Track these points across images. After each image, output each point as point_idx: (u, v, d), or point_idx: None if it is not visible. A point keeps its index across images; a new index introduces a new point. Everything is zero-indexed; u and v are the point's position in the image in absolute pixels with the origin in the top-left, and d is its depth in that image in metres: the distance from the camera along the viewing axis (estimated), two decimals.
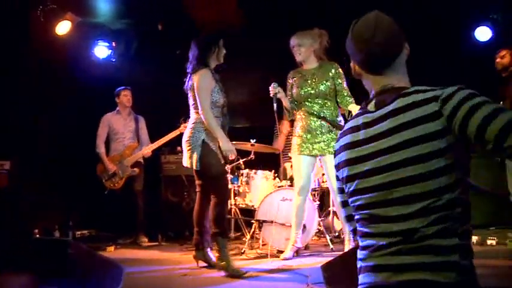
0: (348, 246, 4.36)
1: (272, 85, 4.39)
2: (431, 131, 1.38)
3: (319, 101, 4.42)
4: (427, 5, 5.88)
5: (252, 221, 5.07)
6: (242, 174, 5.44)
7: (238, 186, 5.42)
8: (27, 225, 4.73)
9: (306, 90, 4.43)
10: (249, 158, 5.47)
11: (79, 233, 5.84)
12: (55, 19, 5.59)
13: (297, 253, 4.59)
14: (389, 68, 1.58)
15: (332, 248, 4.82)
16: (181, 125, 5.45)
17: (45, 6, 5.55)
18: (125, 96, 5.94)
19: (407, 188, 1.42)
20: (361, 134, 1.55)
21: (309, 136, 4.42)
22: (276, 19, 6.27)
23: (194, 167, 3.90)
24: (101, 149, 5.77)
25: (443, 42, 6.11)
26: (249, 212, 5.59)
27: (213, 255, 4.07)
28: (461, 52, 6.19)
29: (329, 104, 4.44)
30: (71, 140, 6.12)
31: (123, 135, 5.89)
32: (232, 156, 3.99)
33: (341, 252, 4.20)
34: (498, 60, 5.06)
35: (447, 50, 6.10)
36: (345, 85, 4.43)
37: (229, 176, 5.45)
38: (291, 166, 5.18)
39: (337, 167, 1.65)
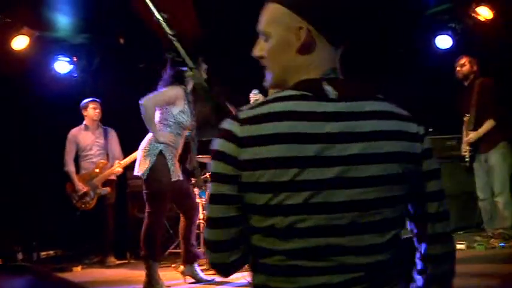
0: None
1: (252, 92, 4.30)
2: (412, 154, 1.21)
3: None
4: (387, 12, 5.96)
5: None
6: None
7: (205, 201, 5.33)
8: None
9: None
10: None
11: (44, 253, 5.65)
12: (10, 34, 5.41)
13: None
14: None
15: None
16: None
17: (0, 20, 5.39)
18: (93, 109, 5.63)
19: (387, 211, 1.16)
20: (323, 126, 1.14)
21: None
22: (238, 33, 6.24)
23: (142, 176, 3.79)
24: (70, 166, 5.49)
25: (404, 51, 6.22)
26: None
27: (200, 270, 3.99)
28: (422, 60, 6.29)
29: None
30: (35, 158, 5.93)
31: (91, 151, 5.61)
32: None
33: None
34: (458, 69, 5.11)
35: (408, 58, 6.20)
36: None
37: (197, 190, 5.39)
38: None
39: (256, 163, 1.13)
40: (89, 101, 5.69)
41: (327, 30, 1.23)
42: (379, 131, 1.16)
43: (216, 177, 1.20)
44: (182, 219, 4.05)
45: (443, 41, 6.18)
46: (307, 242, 1.13)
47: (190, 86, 4.01)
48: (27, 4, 5.50)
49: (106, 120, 5.89)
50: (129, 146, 5.54)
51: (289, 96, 1.18)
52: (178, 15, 6.18)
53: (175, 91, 3.88)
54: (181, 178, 3.89)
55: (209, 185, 1.22)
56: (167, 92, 3.88)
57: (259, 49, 1.30)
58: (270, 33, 1.26)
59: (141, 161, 3.85)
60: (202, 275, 4.00)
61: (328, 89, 1.19)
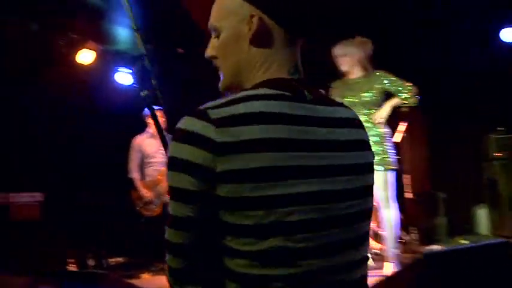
0: (389, 267, 4.16)
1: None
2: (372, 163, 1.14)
3: (365, 111, 4.25)
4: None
5: None
6: None
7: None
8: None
9: (349, 99, 4.24)
10: None
11: (113, 260, 5.75)
12: (77, 48, 5.59)
13: None
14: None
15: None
16: None
17: (67, 36, 5.58)
18: (159, 117, 5.72)
19: (365, 224, 1.06)
20: (316, 132, 1.02)
21: None
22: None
23: None
24: (134, 174, 5.56)
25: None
26: None
27: None
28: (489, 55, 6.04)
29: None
30: (102, 166, 6.08)
31: (156, 158, 5.64)
32: None
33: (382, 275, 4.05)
34: None
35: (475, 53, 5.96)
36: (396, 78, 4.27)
37: None
38: None
39: (244, 173, 0.94)
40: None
41: (282, 18, 1.08)
42: (353, 141, 1.08)
43: (178, 194, 1.02)
44: None
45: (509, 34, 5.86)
46: (312, 266, 0.96)
47: None
48: (90, 20, 5.69)
49: (169, 128, 5.97)
50: None
51: (265, 95, 1.01)
52: None
53: None
54: None
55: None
56: None
57: (211, 48, 1.16)
58: (220, 28, 1.13)
59: None
60: None
61: (302, 90, 1.06)
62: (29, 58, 5.45)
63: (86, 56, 5.67)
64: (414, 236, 5.52)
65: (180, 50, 6.96)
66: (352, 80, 4.35)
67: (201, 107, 1.00)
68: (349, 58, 4.27)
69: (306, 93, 1.05)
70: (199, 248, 1.01)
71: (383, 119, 4.22)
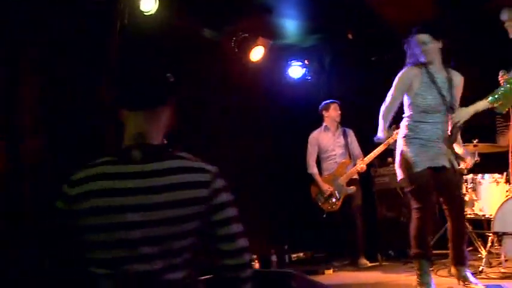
0: None
1: (500, 73, 3.72)
2: (199, 198, 1.48)
3: None
4: None
5: (488, 234, 4.31)
6: (466, 181, 4.74)
7: (464, 195, 4.73)
8: None
9: None
10: (475, 160, 4.75)
11: (295, 255, 5.74)
12: (248, 47, 5.65)
13: None
14: None
15: None
16: (394, 134, 5.02)
17: (237, 36, 5.67)
18: (335, 110, 5.54)
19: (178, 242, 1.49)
20: (127, 183, 1.48)
21: None
22: None
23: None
24: (314, 169, 5.50)
25: None
26: (479, 223, 4.83)
27: (471, 274, 3.54)
28: None
29: None
30: (280, 163, 6.10)
31: (333, 152, 5.52)
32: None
33: None
34: None
35: None
36: None
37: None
38: None
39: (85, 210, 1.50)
40: (330, 102, 5.60)
41: (117, 102, 1.56)
42: (174, 184, 1.45)
43: None
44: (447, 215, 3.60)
45: None
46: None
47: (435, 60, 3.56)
48: (259, 16, 5.71)
49: (343, 119, 5.73)
50: (367, 145, 5.29)
51: (102, 162, 1.51)
52: None
53: (406, 73, 3.58)
54: (442, 165, 3.48)
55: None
56: (398, 77, 3.62)
57: None
58: None
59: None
60: (474, 279, 3.46)
61: (135, 153, 1.48)
62: (207, 65, 5.66)
63: (257, 53, 5.71)
64: None
65: (350, 36, 6.65)
66: None
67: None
68: None
69: (138, 154, 1.48)
70: None
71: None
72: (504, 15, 3.68)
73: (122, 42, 4.28)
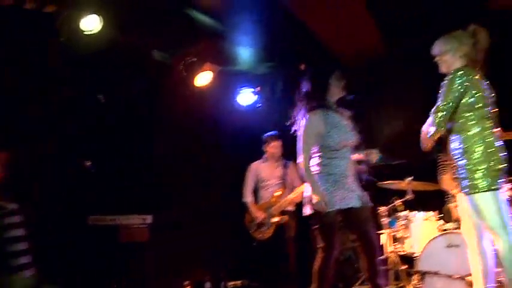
0: None
1: None
2: None
3: None
4: None
5: (412, 272, 4.38)
6: (400, 217, 4.83)
7: (397, 231, 4.81)
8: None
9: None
10: (408, 197, 4.84)
11: (231, 284, 5.68)
12: (195, 71, 5.66)
13: None
14: None
15: None
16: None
17: (186, 60, 5.68)
18: (273, 148, 5.58)
19: None
20: None
21: None
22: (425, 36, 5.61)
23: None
24: (248, 198, 5.52)
25: None
26: (409, 260, 4.89)
27: None
28: None
29: None
30: (217, 190, 6.07)
31: (269, 181, 5.55)
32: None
33: None
34: None
35: None
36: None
37: (386, 219, 4.91)
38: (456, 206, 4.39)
39: None
40: (270, 137, 5.62)
41: None
42: None
43: None
44: (361, 251, 3.63)
45: None
46: None
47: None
48: (211, 41, 5.74)
49: (288, 149, 5.75)
50: None
51: None
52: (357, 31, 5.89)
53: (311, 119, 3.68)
54: (351, 206, 3.51)
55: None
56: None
57: None
58: None
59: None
60: None
61: None
62: (152, 84, 5.64)
63: (204, 78, 5.72)
64: None
65: (302, 67, 6.75)
66: None
67: None
68: (447, 57, 3.42)
69: None
70: None
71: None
72: (436, 50, 3.66)
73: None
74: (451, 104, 3.17)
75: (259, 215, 5.39)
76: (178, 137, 5.79)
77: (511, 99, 3.98)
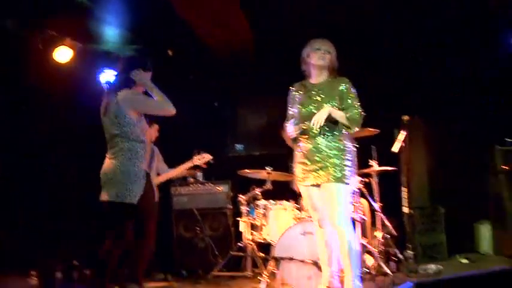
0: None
1: None
2: None
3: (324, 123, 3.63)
4: None
5: (267, 258, 4.56)
6: (258, 206, 4.99)
7: (254, 219, 4.97)
8: None
9: (308, 108, 3.76)
10: (266, 187, 5.02)
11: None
12: (53, 46, 5.29)
13: None
14: None
15: None
16: (195, 157, 5.10)
17: (44, 33, 5.29)
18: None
19: None
20: None
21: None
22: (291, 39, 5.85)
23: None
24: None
25: None
26: (267, 248, 5.09)
27: None
28: None
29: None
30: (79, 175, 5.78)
31: None
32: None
33: None
34: None
35: None
36: (356, 103, 3.72)
37: (246, 208, 5.03)
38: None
39: None
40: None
41: None
42: None
43: None
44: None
45: None
46: None
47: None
48: (72, 17, 5.38)
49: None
50: (176, 160, 5.30)
51: None
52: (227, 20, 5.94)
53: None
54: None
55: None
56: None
57: None
58: None
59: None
60: None
61: None
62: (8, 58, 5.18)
63: (63, 54, 5.35)
64: (410, 253, 5.12)
65: (170, 52, 6.64)
66: (313, 86, 3.81)
67: None
68: (330, 56, 3.73)
69: None
70: None
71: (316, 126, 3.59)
72: (318, 44, 3.80)
73: None
74: None
75: None
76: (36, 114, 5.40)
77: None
